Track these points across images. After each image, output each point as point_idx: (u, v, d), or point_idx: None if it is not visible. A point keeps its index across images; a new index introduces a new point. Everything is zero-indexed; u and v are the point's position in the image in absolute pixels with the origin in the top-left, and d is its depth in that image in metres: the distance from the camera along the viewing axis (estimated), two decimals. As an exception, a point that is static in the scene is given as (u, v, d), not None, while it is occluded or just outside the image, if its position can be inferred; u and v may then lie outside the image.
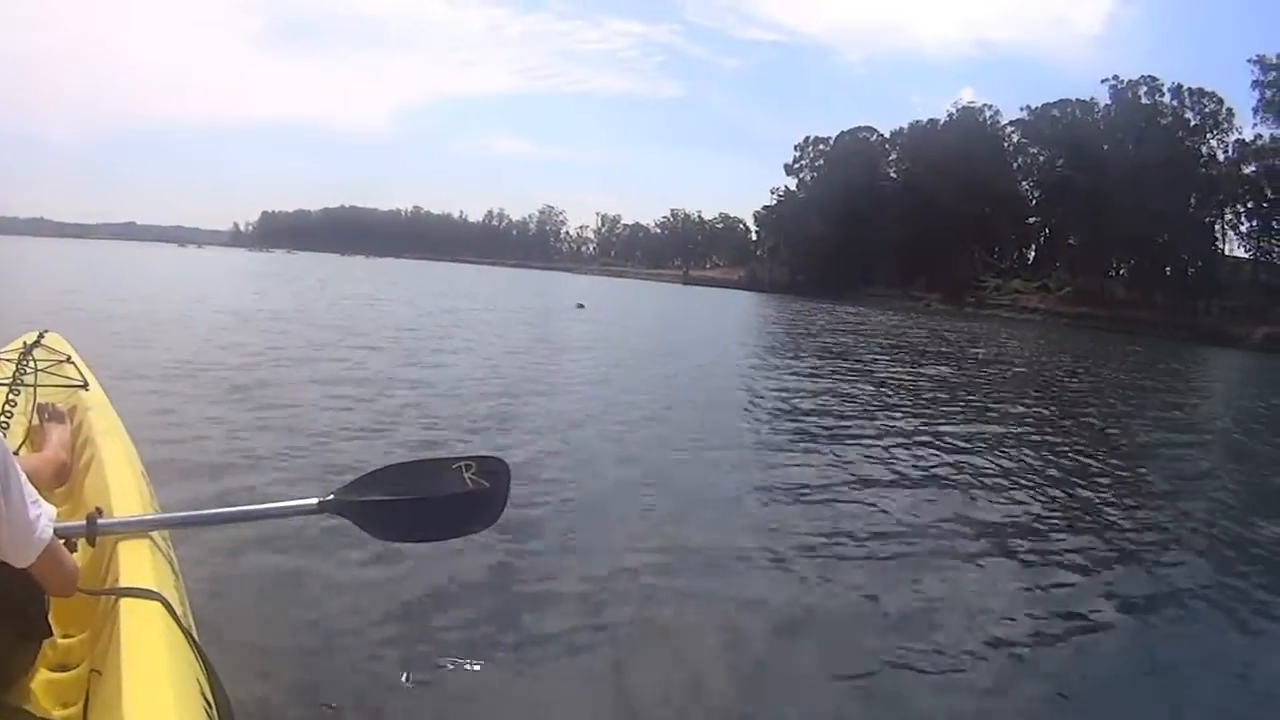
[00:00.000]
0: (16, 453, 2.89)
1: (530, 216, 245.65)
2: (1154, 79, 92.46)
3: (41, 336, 5.18)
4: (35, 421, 3.65)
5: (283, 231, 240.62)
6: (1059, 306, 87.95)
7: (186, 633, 2.09)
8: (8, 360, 4.53)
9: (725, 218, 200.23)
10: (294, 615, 5.06)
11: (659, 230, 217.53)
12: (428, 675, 4.54)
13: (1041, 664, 5.37)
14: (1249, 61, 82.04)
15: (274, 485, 7.45)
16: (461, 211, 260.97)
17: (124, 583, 2.21)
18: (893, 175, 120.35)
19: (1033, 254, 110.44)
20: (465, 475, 2.92)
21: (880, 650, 5.31)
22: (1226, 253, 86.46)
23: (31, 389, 4.15)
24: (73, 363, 4.85)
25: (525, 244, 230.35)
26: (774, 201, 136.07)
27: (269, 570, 5.58)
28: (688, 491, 8.90)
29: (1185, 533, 8.85)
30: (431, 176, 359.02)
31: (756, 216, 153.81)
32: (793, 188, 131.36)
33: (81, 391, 4.33)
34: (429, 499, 2.90)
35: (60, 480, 3.10)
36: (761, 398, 16.27)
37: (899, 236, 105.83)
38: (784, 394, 16.97)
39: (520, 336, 25.75)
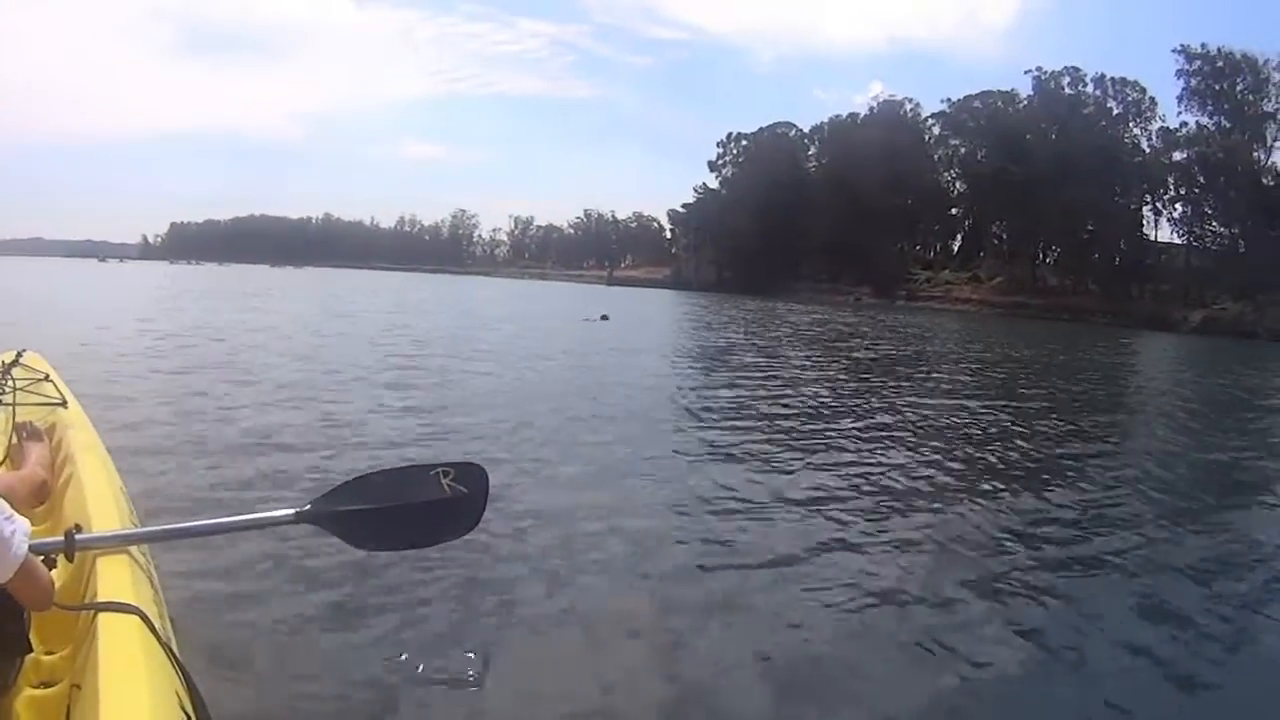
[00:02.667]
0: None
1: (442, 221, 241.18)
2: (1077, 69, 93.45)
3: (19, 355, 5.32)
4: (14, 440, 3.65)
5: (192, 243, 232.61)
6: (992, 296, 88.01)
7: (165, 646, 2.11)
8: None
9: (639, 217, 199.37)
10: (273, 627, 5.00)
11: (573, 231, 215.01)
12: (407, 685, 4.50)
13: (968, 654, 5.31)
14: (1174, 52, 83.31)
15: (253, 497, 7.41)
16: (373, 218, 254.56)
17: (103, 598, 2.23)
18: (814, 170, 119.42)
19: (957, 245, 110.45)
20: (443, 482, 2.92)
21: (827, 647, 5.35)
22: (1159, 239, 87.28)
23: (10, 407, 4.18)
24: (51, 381, 4.94)
25: (438, 249, 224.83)
26: (694, 199, 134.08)
27: (248, 583, 5.53)
28: (673, 494, 8.74)
29: (1127, 515, 8.93)
30: (342, 183, 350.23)
31: (671, 215, 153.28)
32: (715, 185, 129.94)
33: (60, 409, 4.41)
34: (406, 506, 2.89)
35: (39, 498, 3.11)
36: (739, 399, 15.87)
37: (826, 231, 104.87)
38: (748, 396, 16.37)
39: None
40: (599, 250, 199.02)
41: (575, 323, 36.73)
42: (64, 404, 4.53)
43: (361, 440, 10.23)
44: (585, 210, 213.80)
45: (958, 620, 5.85)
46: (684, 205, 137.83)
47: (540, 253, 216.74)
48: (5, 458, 3.58)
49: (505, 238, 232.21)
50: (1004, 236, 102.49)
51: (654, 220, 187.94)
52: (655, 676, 4.88)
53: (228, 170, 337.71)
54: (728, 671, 4.94)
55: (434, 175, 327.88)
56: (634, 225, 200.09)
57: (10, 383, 4.53)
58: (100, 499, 3.00)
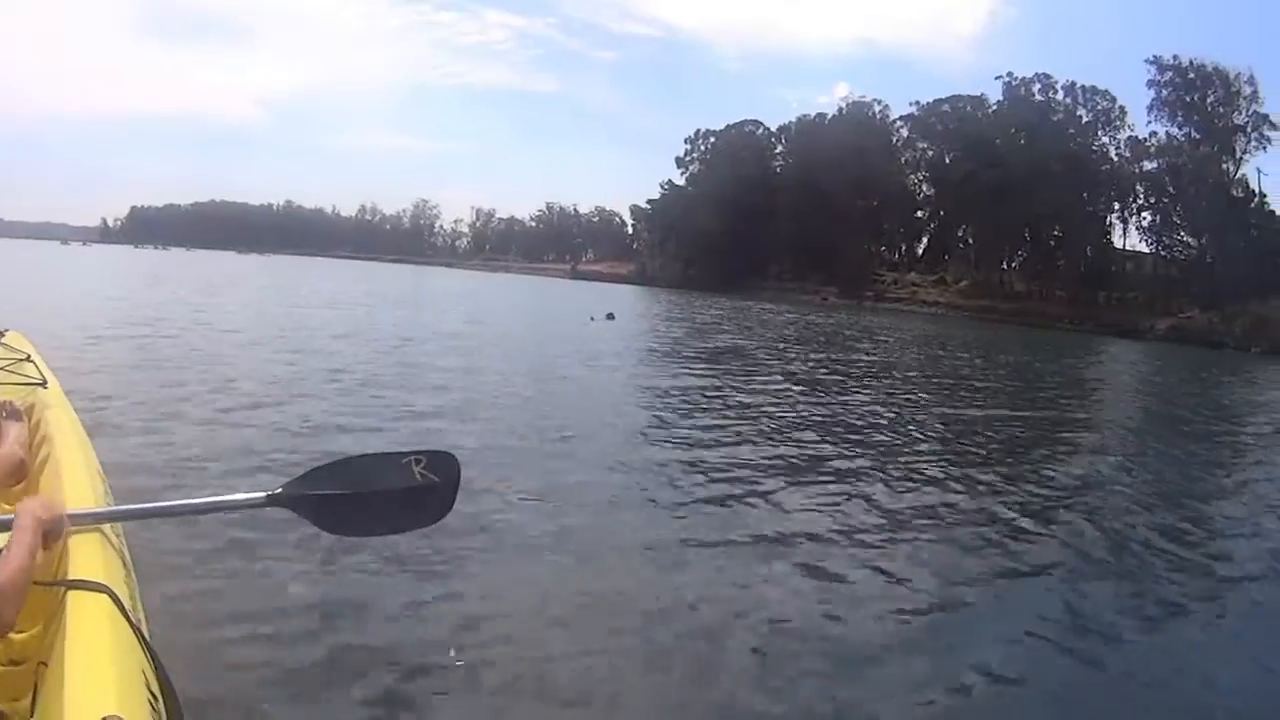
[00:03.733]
0: None
1: (404, 211, 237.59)
2: (1048, 76, 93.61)
3: (1, 335, 5.53)
4: None
5: (152, 227, 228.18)
6: (959, 300, 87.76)
7: (134, 625, 2.11)
8: None
9: (602, 211, 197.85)
10: (243, 607, 5.03)
11: (534, 224, 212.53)
12: (377, 667, 4.53)
13: (935, 653, 5.43)
14: (1146, 62, 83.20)
15: (228, 479, 7.53)
16: (334, 206, 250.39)
17: (74, 576, 2.24)
18: (781, 169, 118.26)
19: (923, 248, 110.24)
20: (415, 469, 2.92)
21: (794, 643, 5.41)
22: (1127, 247, 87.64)
23: None
24: (32, 361, 5.02)
25: (399, 239, 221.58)
26: (660, 195, 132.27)
27: (221, 563, 5.59)
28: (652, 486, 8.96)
29: (1090, 523, 9.00)
30: (304, 171, 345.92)
31: (634, 210, 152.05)
32: (682, 181, 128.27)
33: (40, 389, 4.41)
34: (378, 493, 2.89)
35: (17, 478, 3.14)
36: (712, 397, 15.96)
37: (792, 230, 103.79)
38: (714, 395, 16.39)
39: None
40: (560, 244, 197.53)
41: (583, 322, 35.61)
42: (44, 384, 4.53)
43: (348, 429, 10.31)
44: (547, 203, 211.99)
45: (919, 609, 6.15)
46: (649, 201, 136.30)
47: (501, 245, 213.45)
48: None
49: (467, 229, 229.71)
50: (970, 240, 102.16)
51: (616, 215, 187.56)
52: (637, 666, 4.95)
53: (189, 154, 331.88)
54: (703, 654, 5.15)
55: (397, 165, 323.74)
56: (596, 220, 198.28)
57: None
58: (76, 479, 3.02)
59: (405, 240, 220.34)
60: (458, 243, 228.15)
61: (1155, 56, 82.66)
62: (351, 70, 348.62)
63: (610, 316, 38.44)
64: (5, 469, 3.04)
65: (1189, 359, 46.53)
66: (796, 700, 4.77)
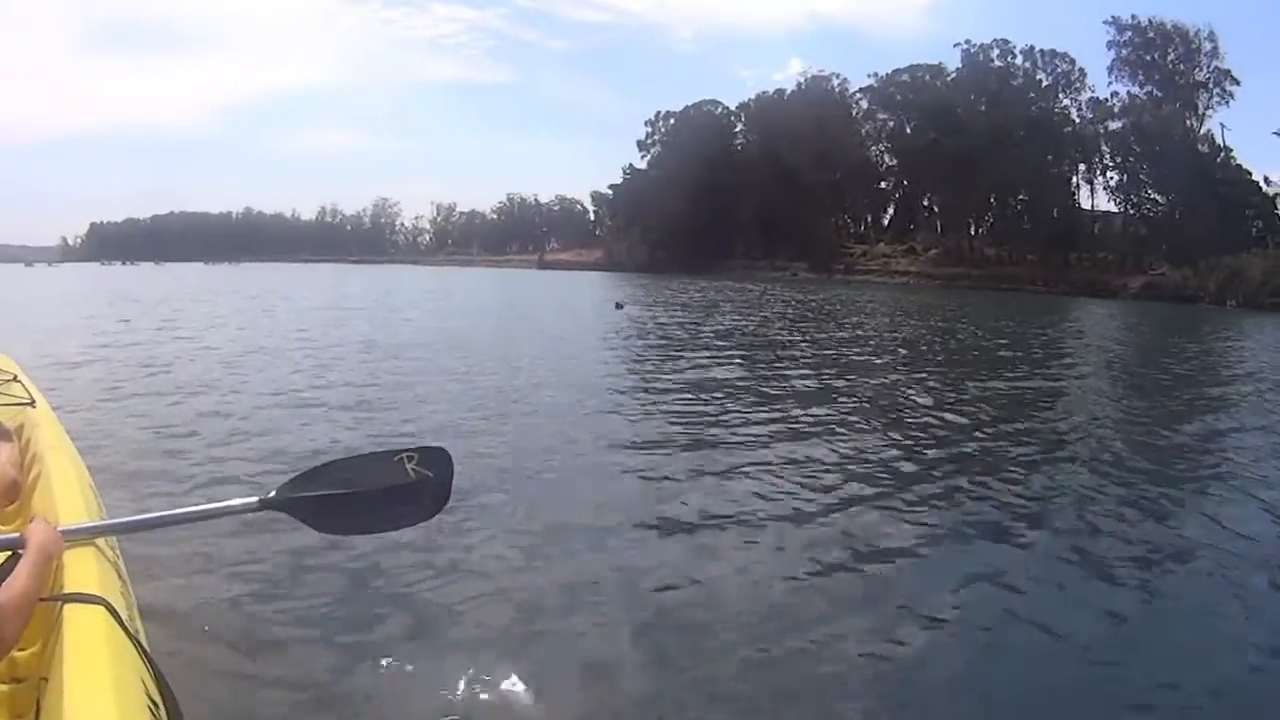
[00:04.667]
0: None
1: (364, 210, 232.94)
2: (1006, 41, 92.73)
3: None
4: None
5: (113, 243, 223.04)
6: (930, 268, 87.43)
7: (132, 636, 2.14)
8: None
9: (563, 199, 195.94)
10: (241, 613, 4.99)
11: (496, 216, 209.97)
12: (375, 669, 4.46)
13: (912, 635, 5.17)
14: (1105, 23, 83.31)
15: (221, 486, 7.40)
16: (294, 210, 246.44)
17: (70, 590, 2.27)
18: (742, 147, 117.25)
19: (888, 218, 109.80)
20: (407, 466, 2.92)
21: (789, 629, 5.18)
22: (1095, 207, 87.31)
23: None
24: (19, 381, 5.00)
25: (360, 238, 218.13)
26: (621, 180, 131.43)
27: (216, 570, 5.50)
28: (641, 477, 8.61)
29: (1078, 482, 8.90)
30: (263, 176, 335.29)
31: (595, 196, 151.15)
32: (643, 165, 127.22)
33: (29, 409, 4.43)
34: (370, 491, 2.88)
35: (10, 497, 3.20)
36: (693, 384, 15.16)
37: (757, 208, 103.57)
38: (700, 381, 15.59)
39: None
40: (523, 235, 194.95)
41: (609, 313, 34.73)
42: (32, 404, 4.54)
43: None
44: (508, 194, 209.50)
45: (898, 581, 6.05)
46: (611, 186, 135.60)
47: (463, 239, 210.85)
48: None
49: (428, 225, 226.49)
50: (935, 209, 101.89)
51: (578, 203, 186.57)
52: (636, 661, 4.78)
53: (146, 168, 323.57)
54: (688, 638, 5.02)
55: (355, 165, 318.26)
56: (557, 209, 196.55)
57: None
58: (69, 495, 3.01)
59: (367, 240, 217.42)
60: (419, 239, 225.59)
61: (1114, 17, 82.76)
62: (304, 73, 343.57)
63: (619, 306, 37.98)
64: None
65: (1166, 315, 46.45)
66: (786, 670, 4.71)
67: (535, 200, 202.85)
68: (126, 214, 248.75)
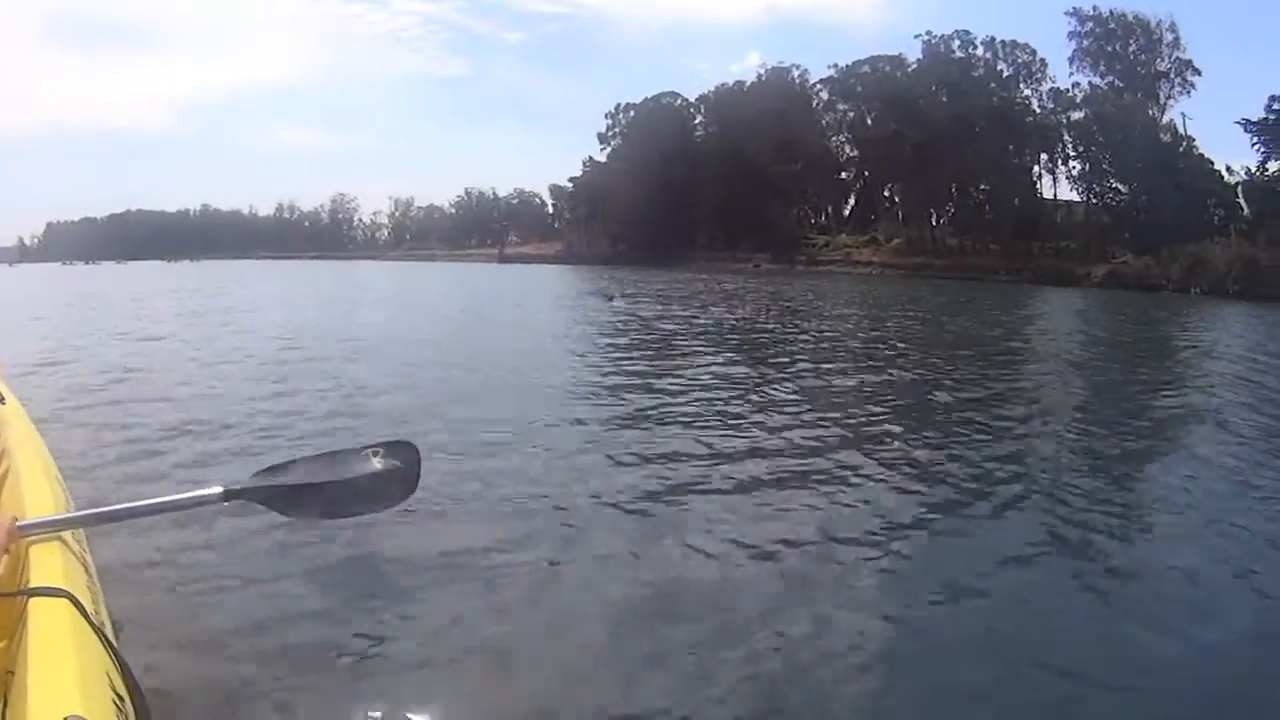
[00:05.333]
0: None
1: (322, 206, 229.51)
2: (967, 32, 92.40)
3: None
4: None
5: (71, 242, 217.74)
6: (893, 259, 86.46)
7: (97, 629, 2.13)
8: None
9: (521, 193, 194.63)
10: (208, 605, 4.92)
11: (454, 210, 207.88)
12: (344, 659, 4.44)
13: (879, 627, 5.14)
14: (1066, 14, 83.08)
15: (189, 480, 7.03)
16: (251, 206, 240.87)
17: (35, 584, 2.29)
18: (702, 139, 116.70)
19: (849, 209, 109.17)
20: (374, 459, 3.09)
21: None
22: (1058, 197, 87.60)
23: None
24: None
25: (318, 234, 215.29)
26: (581, 172, 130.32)
27: (184, 563, 5.48)
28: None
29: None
30: (220, 173, 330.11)
31: (554, 189, 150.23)
32: (604, 157, 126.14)
33: None
34: (335, 482, 3.01)
35: None
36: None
37: (718, 199, 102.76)
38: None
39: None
40: (481, 229, 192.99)
41: (603, 308, 33.55)
42: (2, 401, 4.53)
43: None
44: (466, 188, 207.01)
45: (855, 570, 5.99)
46: (571, 179, 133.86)
47: (421, 234, 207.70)
48: None
49: (386, 220, 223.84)
50: (896, 199, 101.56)
51: (536, 196, 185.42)
52: (597, 650, 4.75)
53: (101, 166, 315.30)
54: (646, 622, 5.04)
55: (312, 161, 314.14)
56: (516, 202, 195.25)
57: None
58: (37, 490, 3.01)
59: (325, 235, 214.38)
60: (378, 234, 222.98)
61: (1075, 8, 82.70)
62: (261, 70, 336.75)
63: (610, 298, 37.66)
64: None
65: (1131, 303, 46.30)
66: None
67: (493, 194, 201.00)
68: (83, 213, 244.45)
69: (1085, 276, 68.45)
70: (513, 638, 4.76)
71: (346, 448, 3.16)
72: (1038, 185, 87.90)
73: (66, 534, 2.66)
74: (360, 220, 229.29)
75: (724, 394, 12.84)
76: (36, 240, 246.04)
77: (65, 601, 2.12)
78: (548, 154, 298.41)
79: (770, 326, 25.83)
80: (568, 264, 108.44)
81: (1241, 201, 70.03)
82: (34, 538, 2.52)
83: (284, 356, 16.37)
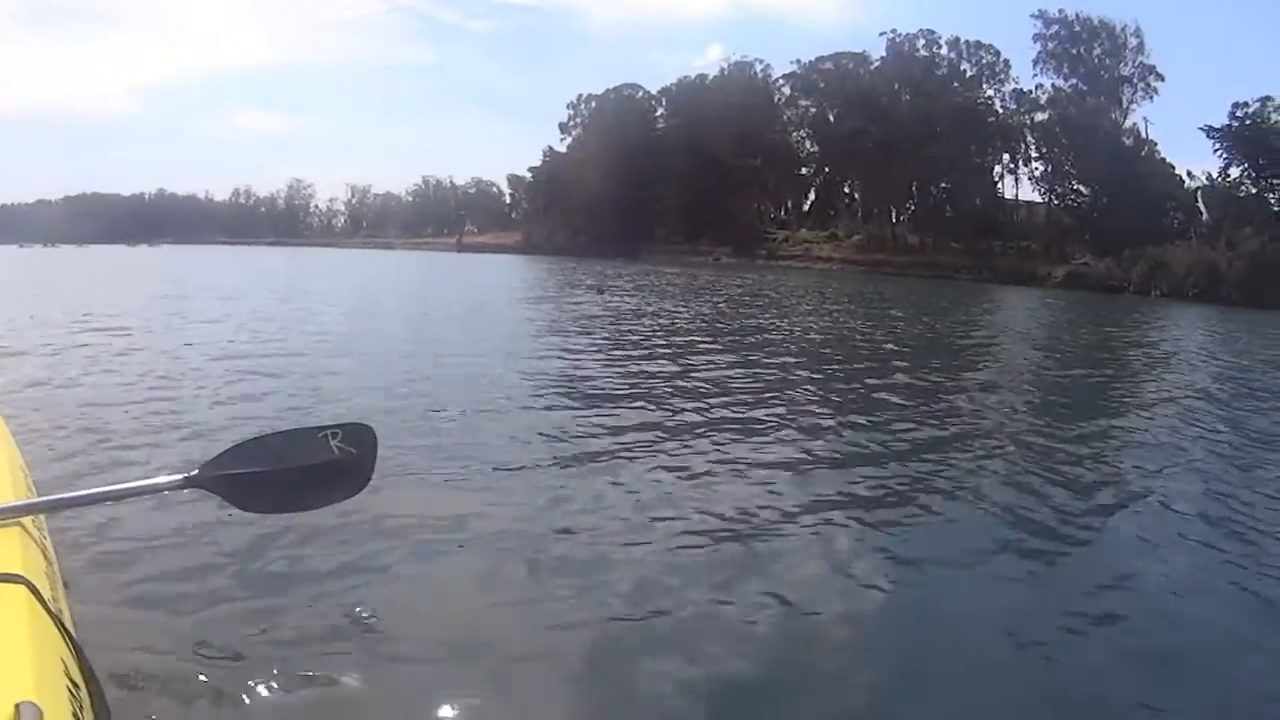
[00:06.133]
0: None
1: (279, 192, 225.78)
2: (932, 32, 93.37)
3: None
4: None
5: (24, 225, 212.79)
6: (854, 255, 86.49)
7: (54, 615, 2.08)
8: None
9: (479, 182, 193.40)
10: (168, 592, 4.92)
11: (411, 199, 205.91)
12: (303, 649, 4.39)
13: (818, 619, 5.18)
14: (1032, 16, 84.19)
15: (153, 463, 7.48)
16: (208, 191, 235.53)
17: None
18: (664, 131, 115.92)
19: (809, 204, 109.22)
20: (332, 443, 2.82)
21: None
22: (1020, 197, 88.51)
23: None
24: None
25: (274, 221, 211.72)
26: (540, 163, 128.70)
27: (144, 550, 5.44)
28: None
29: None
30: (178, 157, 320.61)
31: (512, 180, 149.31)
32: (564, 148, 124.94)
33: None
34: (295, 468, 2.78)
35: None
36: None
37: (679, 192, 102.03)
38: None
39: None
40: (438, 218, 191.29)
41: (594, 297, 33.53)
42: None
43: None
44: (424, 177, 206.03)
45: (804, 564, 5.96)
46: (531, 169, 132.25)
47: (378, 221, 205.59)
48: None
49: (343, 207, 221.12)
50: (857, 195, 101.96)
51: (494, 185, 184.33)
52: (553, 638, 4.71)
53: (56, 149, 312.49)
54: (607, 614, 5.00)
55: (271, 146, 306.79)
56: (473, 191, 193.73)
57: None
58: None
59: (281, 222, 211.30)
60: (334, 221, 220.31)
61: (1041, 11, 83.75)
62: (222, 53, 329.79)
63: (600, 290, 37.26)
64: None
65: (1092, 304, 46.92)
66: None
67: (451, 183, 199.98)
68: (38, 196, 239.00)
69: (1046, 277, 68.94)
70: (477, 629, 4.75)
71: (306, 427, 2.81)
72: (999, 185, 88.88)
73: (26, 520, 2.50)
74: (317, 207, 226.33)
75: (690, 385, 12.94)
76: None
77: (21, 587, 2.02)
78: (507, 145, 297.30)
79: (734, 322, 25.33)
80: (527, 254, 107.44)
81: (1201, 206, 70.62)
82: None
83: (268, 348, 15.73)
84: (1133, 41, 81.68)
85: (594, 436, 9.14)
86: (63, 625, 2.05)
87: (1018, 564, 6.14)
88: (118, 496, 2.91)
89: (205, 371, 12.57)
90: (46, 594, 2.11)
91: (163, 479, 2.67)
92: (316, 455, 2.76)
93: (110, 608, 4.50)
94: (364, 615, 4.77)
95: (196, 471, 2.67)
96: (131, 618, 4.50)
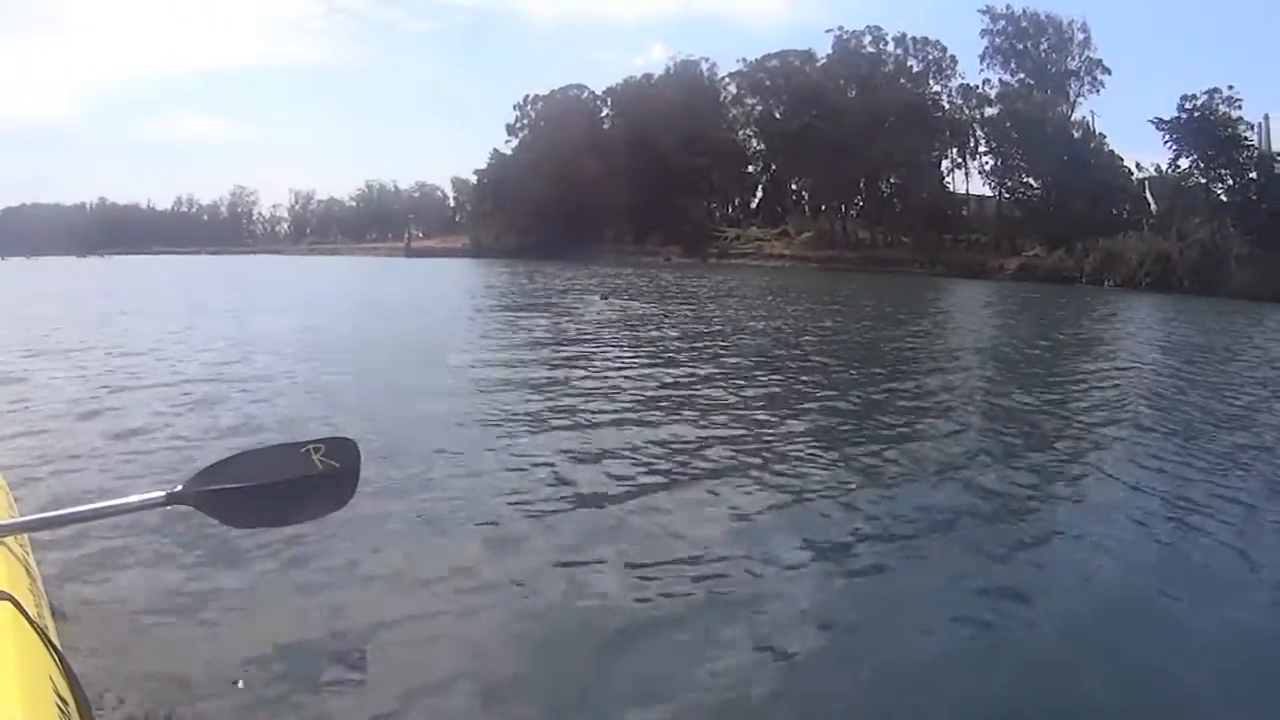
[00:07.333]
0: None
1: (221, 200, 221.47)
2: (879, 28, 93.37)
3: None
4: None
5: None
6: (805, 252, 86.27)
7: (41, 632, 2.11)
8: None
9: (422, 186, 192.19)
10: (154, 608, 4.95)
11: (355, 204, 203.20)
12: (291, 664, 4.40)
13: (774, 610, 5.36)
14: (979, 12, 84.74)
15: (131, 482, 7.40)
16: (149, 200, 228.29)
17: None
18: (610, 131, 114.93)
19: (756, 202, 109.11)
20: (315, 457, 2.81)
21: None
22: (970, 191, 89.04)
23: None
24: None
25: (217, 228, 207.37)
26: (486, 165, 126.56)
27: (129, 566, 5.50)
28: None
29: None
30: (119, 165, 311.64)
31: (455, 183, 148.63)
32: (510, 150, 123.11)
33: None
34: (279, 483, 2.78)
35: None
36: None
37: (627, 192, 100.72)
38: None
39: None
40: (382, 222, 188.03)
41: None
42: None
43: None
44: (367, 181, 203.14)
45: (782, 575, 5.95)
46: (476, 171, 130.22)
47: (322, 227, 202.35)
48: None
49: (286, 213, 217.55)
50: (805, 193, 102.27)
51: (438, 189, 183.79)
52: (549, 644, 4.86)
53: None
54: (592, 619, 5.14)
55: (212, 153, 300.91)
56: (417, 195, 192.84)
57: None
58: None
59: (224, 229, 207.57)
60: (278, 228, 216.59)
61: (988, 6, 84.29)
62: (162, 57, 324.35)
63: (604, 297, 36.04)
64: None
65: (1048, 295, 47.34)
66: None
67: (395, 187, 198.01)
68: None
69: (998, 269, 69.63)
70: (469, 653, 4.72)
71: (287, 442, 2.74)
72: (948, 180, 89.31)
73: (9, 539, 2.59)
74: (260, 214, 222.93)
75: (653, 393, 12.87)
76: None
77: (7, 604, 2.06)
78: (450, 148, 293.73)
79: (692, 323, 24.77)
80: (475, 258, 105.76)
81: (1149, 197, 71.39)
82: None
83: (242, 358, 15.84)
84: (1079, 36, 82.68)
85: (636, 462, 8.68)
86: (49, 642, 2.04)
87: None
88: (102, 514, 2.88)
89: (179, 387, 12.47)
90: (32, 611, 2.11)
91: (146, 496, 2.62)
92: (299, 469, 2.70)
93: (96, 625, 4.55)
94: (350, 633, 4.79)
95: (180, 488, 2.63)
96: (117, 634, 4.52)
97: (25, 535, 2.91)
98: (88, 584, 5.13)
